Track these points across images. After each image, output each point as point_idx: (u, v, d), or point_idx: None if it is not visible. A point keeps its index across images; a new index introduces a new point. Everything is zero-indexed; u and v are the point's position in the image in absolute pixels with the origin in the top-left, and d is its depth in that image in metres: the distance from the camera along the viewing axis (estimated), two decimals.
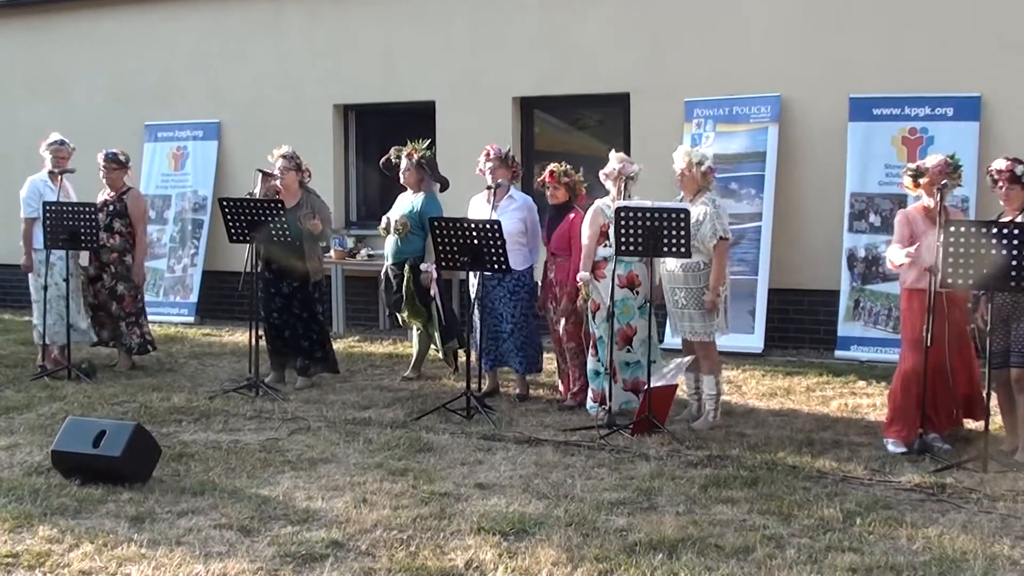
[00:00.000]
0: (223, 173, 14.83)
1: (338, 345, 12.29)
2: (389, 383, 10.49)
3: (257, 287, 10.04)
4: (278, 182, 10.16)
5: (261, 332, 10.09)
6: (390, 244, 10.41)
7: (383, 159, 10.86)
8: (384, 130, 14.31)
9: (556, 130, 14.01)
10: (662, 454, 7.75)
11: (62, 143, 11.13)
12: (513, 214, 9.53)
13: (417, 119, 13.58)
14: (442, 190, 10.61)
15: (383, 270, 10.62)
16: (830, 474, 7.24)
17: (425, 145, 10.45)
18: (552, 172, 9.34)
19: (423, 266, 10.09)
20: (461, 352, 10.59)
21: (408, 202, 10.40)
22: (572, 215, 9.27)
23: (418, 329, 10.59)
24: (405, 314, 10.35)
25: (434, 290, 10.15)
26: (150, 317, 11.77)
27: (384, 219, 10.47)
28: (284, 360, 10.41)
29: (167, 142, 15.22)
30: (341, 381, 10.51)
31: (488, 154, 9.60)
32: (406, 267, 10.22)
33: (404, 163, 10.40)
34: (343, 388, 10.22)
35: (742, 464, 7.44)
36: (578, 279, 8.92)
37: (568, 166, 9.41)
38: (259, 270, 10.01)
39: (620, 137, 12.79)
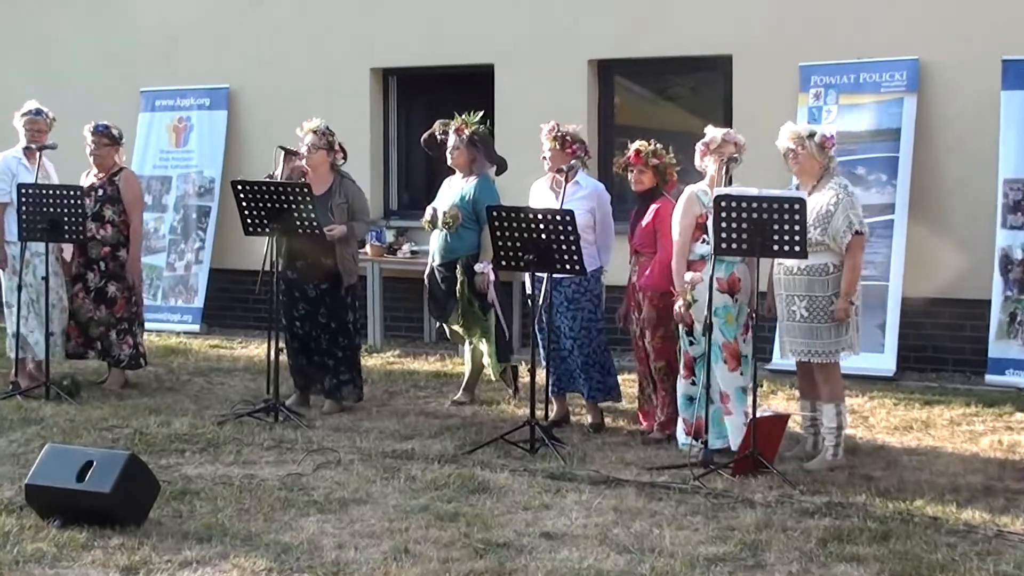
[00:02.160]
0: (235, 150, 14.93)
1: (375, 361, 12.37)
2: (436, 408, 10.52)
3: (278, 290, 10.11)
4: (304, 162, 10.22)
5: (282, 344, 10.14)
6: (437, 240, 10.42)
7: (425, 135, 10.87)
8: (432, 99, 14.35)
9: (641, 101, 13.98)
10: (770, 500, 7.71)
11: (38, 113, 11.18)
12: (579, 204, 9.49)
13: (471, 86, 13.61)
14: (498, 173, 10.62)
15: (427, 271, 10.66)
16: (981, 528, 7.16)
17: (477, 118, 10.47)
18: (639, 152, 9.31)
19: (478, 266, 10.10)
20: (523, 371, 10.60)
21: (458, 188, 10.40)
22: (658, 204, 9.25)
23: (471, 343, 10.60)
24: (458, 325, 10.37)
25: (491, 295, 10.16)
26: (146, 325, 11.84)
27: (429, 210, 10.48)
28: (309, 379, 10.46)
29: (167, 112, 15.35)
30: (379, 405, 10.55)
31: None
32: (458, 268, 10.25)
33: (452, 140, 10.40)
34: (380, 414, 10.24)
35: (870, 514, 7.38)
36: (687, 280, 8.82)
37: (658, 145, 9.39)
38: (280, 269, 10.07)
39: (719, 110, 12.76)
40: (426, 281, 10.69)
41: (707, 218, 8.65)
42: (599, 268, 9.77)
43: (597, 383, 9.73)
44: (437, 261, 10.44)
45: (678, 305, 8.83)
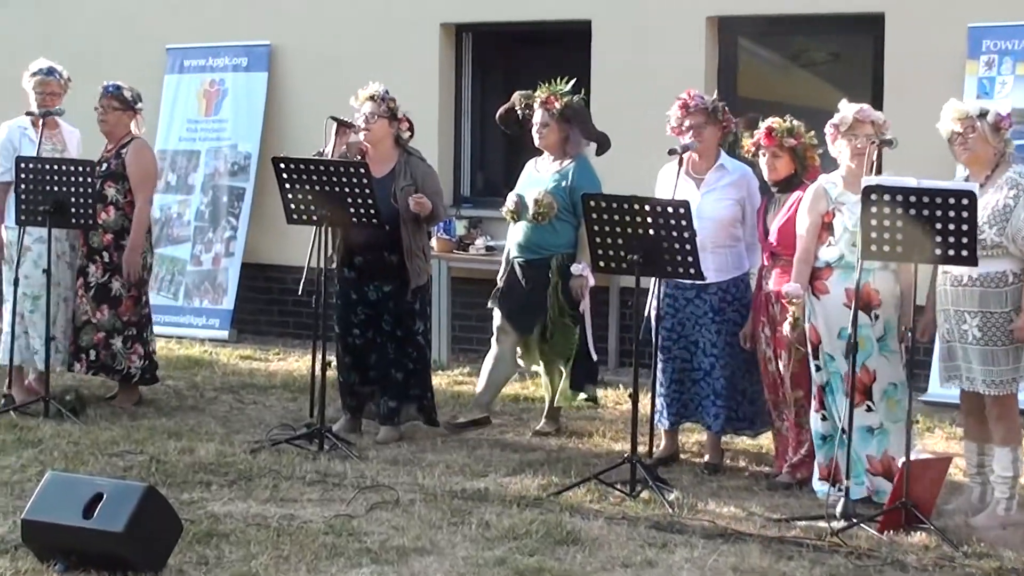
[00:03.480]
0: (276, 120, 15.02)
1: (440, 380, 12.39)
2: (514, 439, 10.54)
3: (328, 291, 10.12)
4: (362, 136, 10.24)
5: (331, 357, 10.18)
6: (521, 233, 10.40)
7: (501, 110, 10.81)
8: (514, 63, 14.38)
9: (770, 68, 13.95)
10: (926, 562, 7.65)
11: (50, 72, 11.21)
12: (724, 193, 9.55)
13: (563, 48, 13.61)
14: (599, 153, 10.57)
15: (505, 266, 10.63)
16: None
17: (568, 87, 10.43)
18: (771, 131, 9.24)
19: (575, 267, 10.10)
20: (620, 397, 10.56)
21: (549, 173, 10.37)
22: (800, 194, 9.17)
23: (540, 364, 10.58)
24: (548, 338, 10.35)
25: (585, 305, 10.17)
26: (164, 330, 11.88)
27: (512, 197, 10.47)
28: (362, 400, 10.51)
29: (196, 73, 15.43)
30: (444, 435, 10.58)
31: (685, 106, 9.56)
32: (551, 269, 10.22)
33: (540, 116, 10.38)
34: (447, 444, 10.27)
35: None
36: (784, 293, 8.80)
37: (795, 122, 9.31)
38: (333, 266, 10.12)
39: (867, 80, 12.75)
40: (500, 282, 10.61)
41: (834, 216, 8.61)
42: (748, 272, 9.75)
43: (733, 412, 9.68)
44: (521, 258, 10.41)
45: (785, 325, 8.85)
